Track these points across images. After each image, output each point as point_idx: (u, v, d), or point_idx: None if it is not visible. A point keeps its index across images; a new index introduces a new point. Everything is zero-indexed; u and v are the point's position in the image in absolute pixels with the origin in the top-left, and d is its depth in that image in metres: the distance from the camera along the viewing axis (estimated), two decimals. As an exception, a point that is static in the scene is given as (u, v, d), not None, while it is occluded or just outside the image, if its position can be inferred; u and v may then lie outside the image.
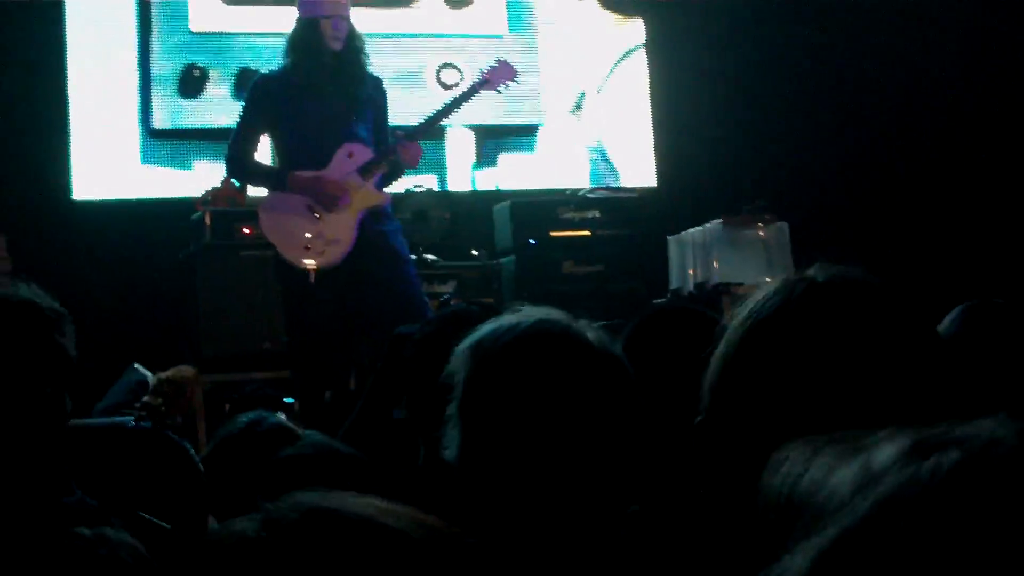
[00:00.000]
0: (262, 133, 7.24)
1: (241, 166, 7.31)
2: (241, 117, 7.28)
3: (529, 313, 2.29)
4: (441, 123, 7.62)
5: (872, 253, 9.95)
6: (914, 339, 1.79)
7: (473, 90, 7.52)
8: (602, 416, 2.19)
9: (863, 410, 1.69)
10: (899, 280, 1.89)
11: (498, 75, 7.54)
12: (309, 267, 7.02)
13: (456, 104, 7.45)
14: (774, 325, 1.80)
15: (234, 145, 7.23)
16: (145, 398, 7.34)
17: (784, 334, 1.79)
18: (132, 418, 6.84)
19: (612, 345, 2.28)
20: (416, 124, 7.38)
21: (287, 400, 7.37)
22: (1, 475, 2.50)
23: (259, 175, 7.37)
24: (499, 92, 7.68)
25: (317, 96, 7.13)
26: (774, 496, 1.17)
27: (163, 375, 7.52)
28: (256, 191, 8.32)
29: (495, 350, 2.23)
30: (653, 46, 11.17)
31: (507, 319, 2.28)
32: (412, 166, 7.25)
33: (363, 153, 7.15)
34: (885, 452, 1.03)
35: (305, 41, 7.19)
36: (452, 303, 8.25)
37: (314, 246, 7.05)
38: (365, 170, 7.12)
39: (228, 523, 1.25)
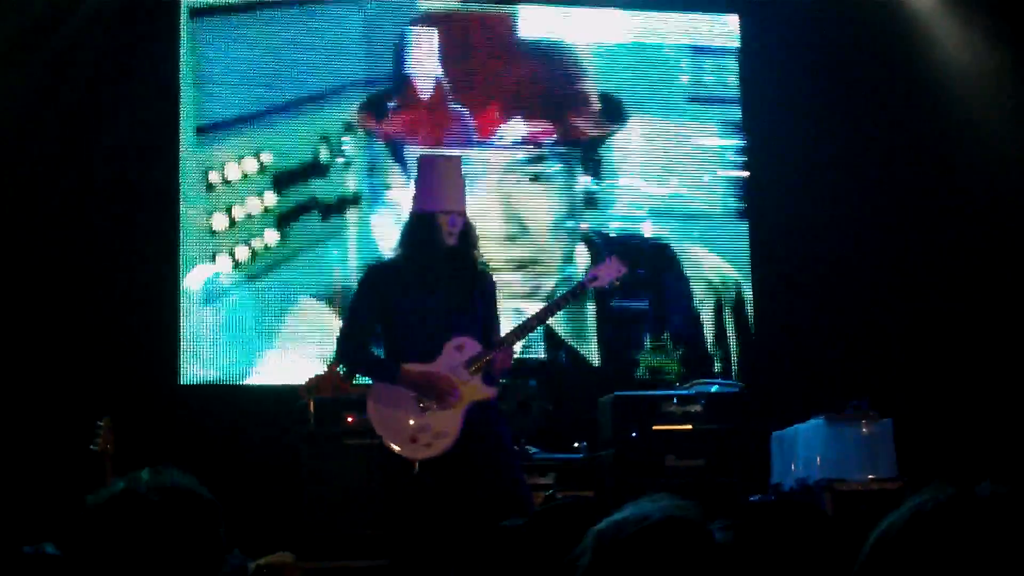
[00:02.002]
0: (374, 323, 7.27)
1: (353, 356, 7.35)
2: (353, 305, 7.33)
3: (659, 505, 2.29)
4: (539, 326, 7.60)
5: (975, 446, 9.92)
6: None
7: (579, 290, 7.52)
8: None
9: None
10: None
11: (607, 271, 7.52)
12: (415, 458, 7.04)
13: (560, 306, 7.46)
14: (927, 537, 1.80)
15: (346, 334, 7.26)
16: (245, 584, 7.32)
17: (935, 547, 1.78)
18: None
19: (738, 544, 2.27)
20: (517, 326, 7.36)
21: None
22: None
23: (370, 366, 7.40)
24: (607, 289, 7.68)
25: (429, 289, 7.17)
26: None
27: (262, 561, 7.51)
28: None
29: (619, 540, 2.23)
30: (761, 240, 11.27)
31: (639, 508, 2.28)
32: (503, 367, 7.24)
33: (472, 347, 7.16)
34: None
35: (420, 235, 7.23)
36: (558, 496, 8.22)
37: (421, 439, 7.05)
38: (472, 364, 7.14)
39: None
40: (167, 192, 10.30)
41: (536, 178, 11.16)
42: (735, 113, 11.51)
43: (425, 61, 11.02)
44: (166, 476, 2.74)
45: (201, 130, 10.46)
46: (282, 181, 10.57)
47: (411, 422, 7.08)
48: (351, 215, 10.52)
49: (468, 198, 7.38)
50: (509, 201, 11.02)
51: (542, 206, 11.13)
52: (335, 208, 10.46)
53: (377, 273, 7.35)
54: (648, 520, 2.23)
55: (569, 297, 7.48)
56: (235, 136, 10.52)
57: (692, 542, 2.21)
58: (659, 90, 11.43)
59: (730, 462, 9.61)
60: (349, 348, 7.25)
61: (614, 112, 11.37)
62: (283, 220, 10.54)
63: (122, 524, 2.67)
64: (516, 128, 11.05)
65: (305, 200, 10.59)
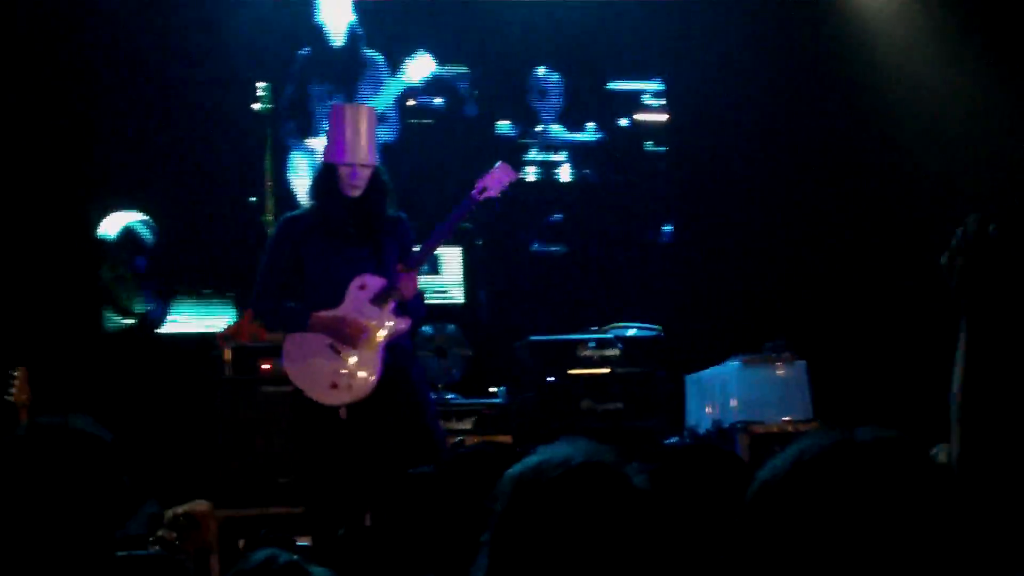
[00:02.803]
0: (287, 273, 7.26)
1: (266, 308, 7.34)
2: (266, 256, 7.32)
3: (576, 449, 2.29)
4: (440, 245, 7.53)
5: (889, 389, 10.01)
6: (944, 502, 1.79)
7: (470, 203, 7.43)
8: (637, 557, 2.19)
9: (891, 565, 1.71)
10: (917, 428, 1.91)
11: (496, 179, 7.46)
12: (338, 404, 7.04)
13: (454, 224, 7.41)
14: (809, 482, 1.81)
15: (260, 286, 7.27)
16: (159, 532, 7.30)
17: (815, 490, 1.79)
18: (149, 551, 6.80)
19: (655, 488, 2.28)
20: (414, 252, 7.33)
21: (301, 544, 7.33)
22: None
23: (282, 316, 7.39)
24: (499, 197, 7.58)
25: (339, 238, 7.17)
26: None
27: (178, 509, 7.48)
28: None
29: (538, 484, 2.23)
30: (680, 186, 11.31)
31: (555, 452, 2.29)
32: (408, 296, 7.21)
33: (374, 283, 7.17)
34: None
35: (324, 186, 7.24)
36: (465, 443, 8.24)
37: (340, 383, 7.08)
38: (379, 299, 7.14)
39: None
40: (81, 137, 10.18)
41: (452, 123, 11.12)
42: (654, 56, 11.50)
43: (337, 10, 10.94)
44: (66, 421, 2.71)
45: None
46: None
47: (328, 368, 7.10)
48: (269, 163, 10.43)
49: (380, 145, 7.37)
50: (424, 147, 10.97)
51: (457, 151, 11.08)
52: (255, 156, 10.35)
53: (289, 224, 7.35)
54: (566, 464, 2.24)
55: (462, 212, 7.40)
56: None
57: (610, 487, 2.22)
58: (577, 34, 11.37)
59: (647, 405, 9.64)
60: (262, 300, 7.26)
61: (532, 56, 11.33)
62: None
63: (19, 469, 2.64)
64: (427, 68, 10.97)
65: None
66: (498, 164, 7.55)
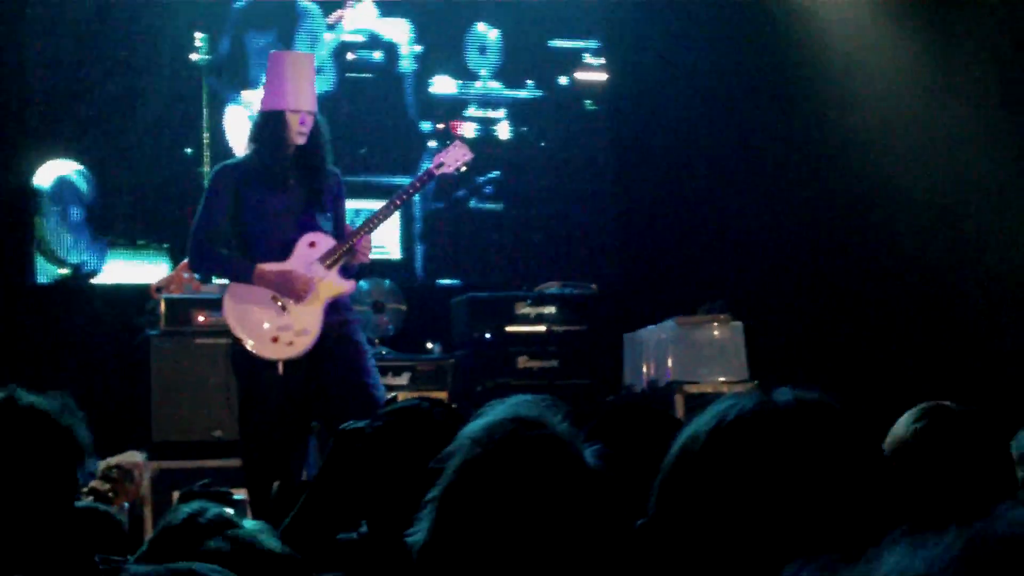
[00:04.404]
0: (225, 223, 7.21)
1: (204, 257, 7.28)
2: (203, 205, 7.26)
3: (519, 410, 2.28)
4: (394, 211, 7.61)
5: (825, 351, 10.08)
6: (862, 464, 1.79)
7: (426, 177, 7.55)
8: (576, 524, 2.19)
9: (810, 529, 1.71)
10: (852, 391, 1.91)
11: (453, 157, 7.56)
12: (279, 358, 7.02)
13: (409, 193, 7.49)
14: (728, 444, 1.80)
15: (197, 235, 7.20)
16: (93, 482, 7.27)
17: (734, 455, 1.79)
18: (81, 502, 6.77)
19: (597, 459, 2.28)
20: (369, 216, 7.40)
21: (237, 497, 7.32)
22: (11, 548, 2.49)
23: (223, 267, 7.35)
24: (458, 174, 7.75)
25: (279, 187, 7.14)
26: None
27: (112, 460, 7.46)
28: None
29: (490, 446, 2.23)
30: (618, 145, 11.31)
31: (499, 414, 2.28)
32: (364, 259, 7.27)
33: (324, 242, 7.17)
34: (889, 558, 1.05)
35: (269, 133, 7.19)
36: (398, 399, 8.23)
37: (282, 337, 7.06)
38: (327, 259, 7.14)
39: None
40: (15, 85, 10.08)
41: (391, 77, 11.08)
42: (595, 14, 11.49)
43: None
44: (13, 396, 2.65)
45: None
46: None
47: (271, 321, 7.08)
48: (205, 114, 10.35)
49: (318, 94, 7.36)
50: (360, 99, 10.92)
51: (397, 103, 11.05)
52: (191, 108, 10.26)
53: (227, 172, 7.29)
54: (518, 428, 2.23)
55: (417, 185, 7.53)
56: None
57: (563, 464, 2.22)
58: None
59: (583, 363, 9.69)
60: (201, 249, 7.21)
61: (472, 12, 11.30)
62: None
63: None
64: (368, 22, 10.93)
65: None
66: (455, 142, 7.70)
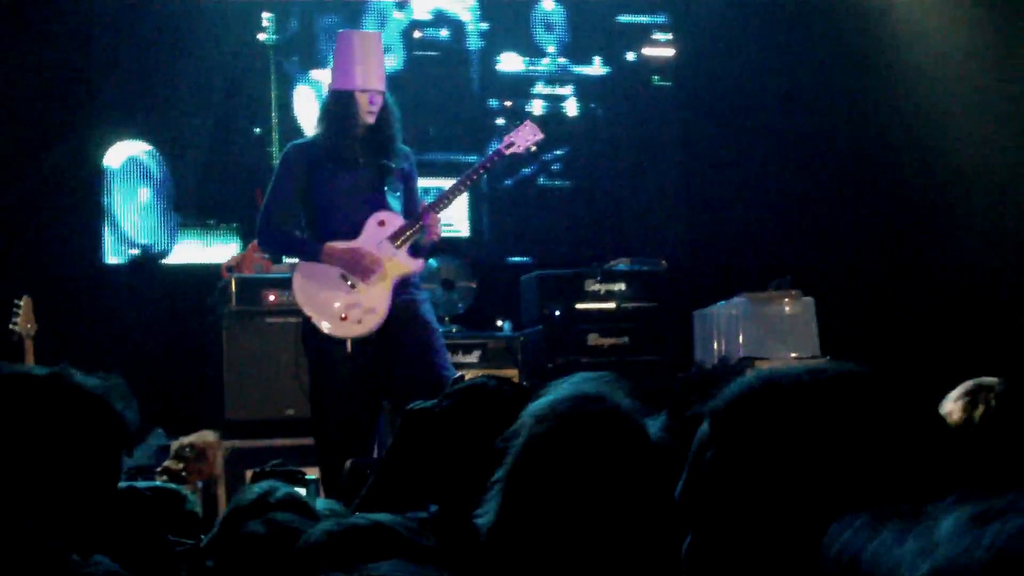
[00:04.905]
0: (295, 202, 7.24)
1: (273, 237, 7.32)
2: (273, 185, 7.30)
3: (582, 387, 2.27)
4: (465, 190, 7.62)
5: (895, 326, 10.02)
6: (909, 432, 1.76)
7: (496, 156, 7.53)
8: (641, 497, 2.18)
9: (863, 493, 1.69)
10: (922, 365, 1.88)
11: (523, 137, 7.54)
12: (347, 336, 7.05)
13: (479, 173, 7.46)
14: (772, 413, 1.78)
15: (267, 214, 7.24)
16: (166, 462, 7.33)
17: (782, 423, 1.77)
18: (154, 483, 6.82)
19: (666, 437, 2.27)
20: (439, 194, 7.41)
21: (309, 477, 7.34)
22: (49, 531, 2.49)
23: (292, 246, 7.40)
24: (528, 154, 7.73)
25: (349, 166, 7.15)
26: (837, 562, 1.17)
27: (185, 440, 7.51)
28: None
29: (556, 423, 2.22)
30: (687, 122, 11.26)
31: (562, 391, 2.27)
32: (433, 238, 7.27)
33: (394, 221, 7.19)
34: (947, 522, 1.03)
35: (339, 113, 7.21)
36: (465, 378, 8.23)
37: (351, 315, 7.08)
38: (396, 238, 7.15)
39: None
40: (85, 67, 10.15)
41: (458, 54, 11.07)
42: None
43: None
44: (62, 373, 2.64)
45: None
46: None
47: (340, 300, 7.10)
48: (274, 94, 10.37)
49: (387, 73, 7.37)
50: (427, 77, 10.91)
51: (465, 81, 11.05)
52: (259, 87, 10.28)
53: (298, 151, 7.32)
54: (583, 405, 2.22)
55: (487, 164, 7.50)
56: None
57: (626, 432, 2.21)
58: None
59: (653, 340, 9.66)
60: (270, 229, 7.24)
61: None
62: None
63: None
64: (437, 2, 10.93)
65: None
66: (526, 122, 7.67)
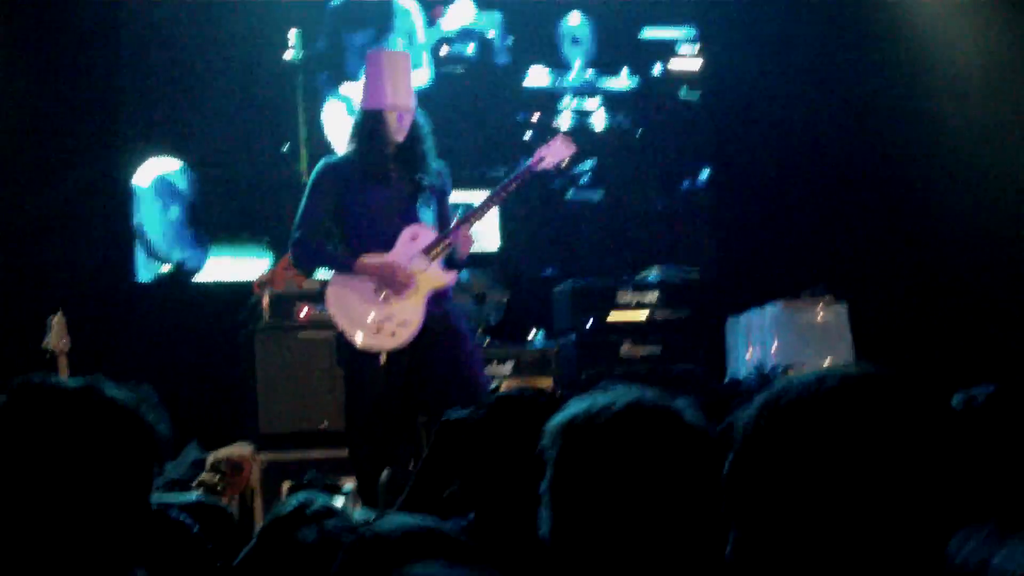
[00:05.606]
0: (326, 219, 7.28)
1: (306, 251, 7.34)
2: (305, 202, 7.32)
3: (622, 392, 2.28)
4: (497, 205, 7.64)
5: (930, 332, 9.98)
6: (931, 438, 1.77)
7: (526, 172, 7.52)
8: (696, 494, 2.18)
9: (881, 500, 1.70)
10: (957, 370, 1.89)
11: (555, 152, 7.54)
12: (381, 349, 7.07)
13: (511, 188, 7.46)
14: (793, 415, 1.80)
15: (299, 231, 7.26)
16: (202, 475, 7.33)
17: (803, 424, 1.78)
18: (192, 496, 6.83)
19: (707, 424, 2.27)
20: (470, 209, 7.42)
21: (345, 489, 7.36)
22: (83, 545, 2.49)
23: (325, 259, 7.42)
24: (554, 171, 7.74)
25: (381, 182, 7.19)
26: (963, 568, 1.19)
27: (221, 453, 7.51)
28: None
29: (590, 429, 2.23)
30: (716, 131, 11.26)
31: (600, 398, 2.28)
32: (465, 251, 7.28)
33: (426, 235, 7.21)
34: None
35: (369, 131, 7.25)
36: (500, 389, 8.25)
37: (384, 328, 7.11)
38: (429, 251, 7.17)
39: None
40: (115, 85, 10.20)
41: (485, 69, 11.09)
42: (688, 2, 11.45)
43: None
44: (93, 387, 2.63)
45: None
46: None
47: (373, 313, 7.13)
48: (301, 111, 10.41)
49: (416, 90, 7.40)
50: (455, 92, 10.92)
51: (492, 96, 11.06)
52: (288, 105, 10.32)
53: (330, 169, 7.36)
54: (616, 407, 2.23)
55: (518, 180, 7.48)
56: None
57: (663, 425, 2.21)
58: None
59: (686, 349, 9.65)
60: (303, 244, 7.26)
61: (564, 3, 11.28)
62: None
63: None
64: (464, 16, 10.95)
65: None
66: (558, 136, 7.67)
